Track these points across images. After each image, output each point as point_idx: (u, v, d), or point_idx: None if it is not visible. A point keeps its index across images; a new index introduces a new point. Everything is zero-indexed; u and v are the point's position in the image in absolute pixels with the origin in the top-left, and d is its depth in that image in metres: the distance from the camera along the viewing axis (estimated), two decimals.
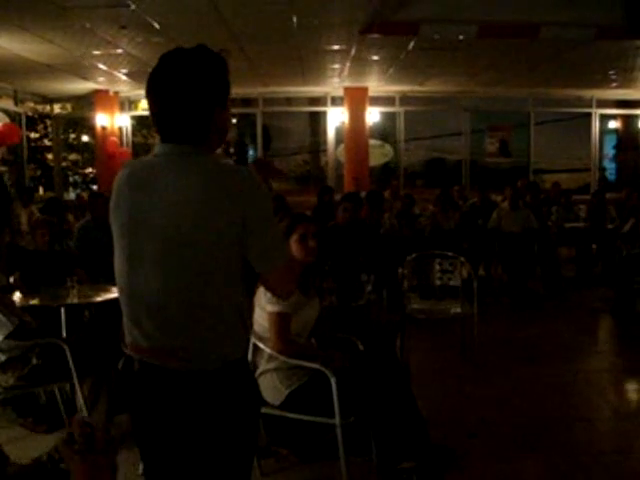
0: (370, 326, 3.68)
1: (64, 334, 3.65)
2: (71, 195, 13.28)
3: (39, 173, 14.17)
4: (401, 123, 12.59)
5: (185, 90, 1.53)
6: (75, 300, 3.90)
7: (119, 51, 8.21)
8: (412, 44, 8.08)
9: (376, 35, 7.68)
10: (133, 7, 6.08)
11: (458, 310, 4.96)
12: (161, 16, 6.59)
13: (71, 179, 14.79)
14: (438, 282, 5.32)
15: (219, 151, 1.74)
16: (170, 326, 1.56)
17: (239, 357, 1.62)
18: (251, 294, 2.83)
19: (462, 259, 5.23)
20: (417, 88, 11.88)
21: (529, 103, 12.69)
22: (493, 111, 13.14)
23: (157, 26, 6.88)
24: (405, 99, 12.48)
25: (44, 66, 9.03)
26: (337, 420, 2.60)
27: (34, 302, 3.89)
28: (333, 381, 2.62)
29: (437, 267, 5.33)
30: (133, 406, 1.71)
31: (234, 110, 12.99)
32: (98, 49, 8.09)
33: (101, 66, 9.35)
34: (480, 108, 12.86)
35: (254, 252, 1.56)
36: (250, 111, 12.71)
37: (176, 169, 1.53)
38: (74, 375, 3.16)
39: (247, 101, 12.71)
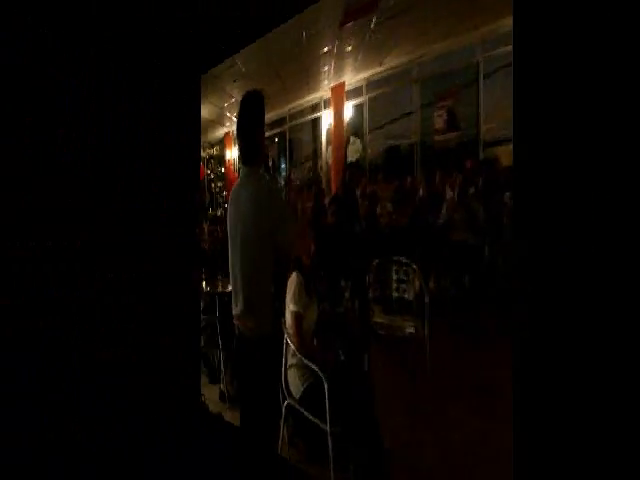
0: (346, 336, 3.60)
1: None
2: None
3: None
4: (366, 113, 12.68)
5: (248, 124, 2.39)
6: None
7: None
8: (374, 21, 8.17)
9: (350, 24, 7.90)
10: None
11: (412, 330, 4.36)
12: None
13: None
14: (395, 294, 4.83)
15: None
16: (240, 299, 2.28)
17: (274, 330, 2.43)
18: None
19: (414, 267, 4.58)
20: (378, 70, 11.86)
21: (477, 51, 11.14)
22: (441, 75, 11.72)
23: None
24: (369, 85, 12.50)
25: None
26: (327, 426, 2.70)
27: None
28: (326, 387, 2.72)
29: (394, 276, 4.85)
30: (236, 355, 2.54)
31: (271, 132, 14.03)
32: None
33: None
34: (428, 74, 11.84)
35: (280, 236, 2.24)
36: (282, 129, 13.94)
37: (244, 185, 2.37)
38: None
39: (279, 121, 13.98)
